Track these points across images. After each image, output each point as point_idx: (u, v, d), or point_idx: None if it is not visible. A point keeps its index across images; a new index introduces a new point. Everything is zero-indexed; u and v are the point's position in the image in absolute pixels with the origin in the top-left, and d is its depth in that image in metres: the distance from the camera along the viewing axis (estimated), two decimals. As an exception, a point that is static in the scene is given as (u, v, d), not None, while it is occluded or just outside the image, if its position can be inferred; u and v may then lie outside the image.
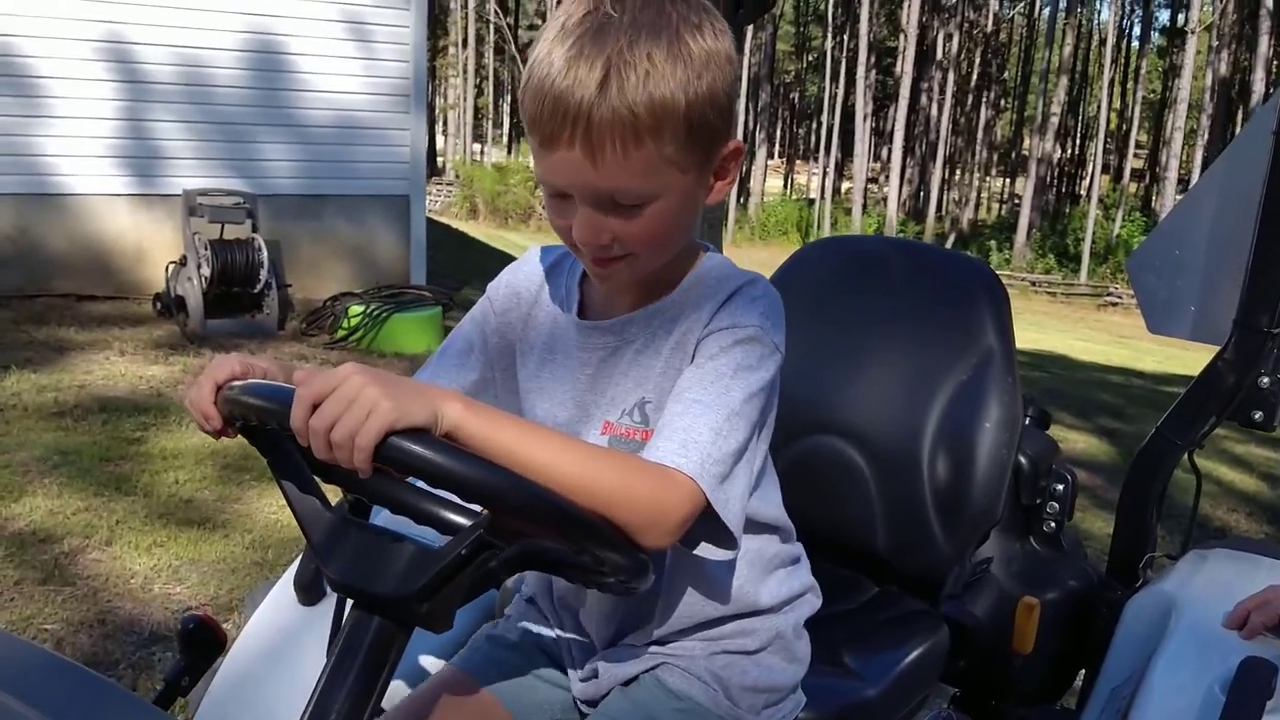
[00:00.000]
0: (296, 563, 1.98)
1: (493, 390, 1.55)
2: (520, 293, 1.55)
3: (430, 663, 1.83)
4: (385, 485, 1.31)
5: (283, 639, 1.92)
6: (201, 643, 1.86)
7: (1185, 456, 2.40)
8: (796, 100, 76.93)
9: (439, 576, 1.14)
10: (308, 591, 1.92)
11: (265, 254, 8.48)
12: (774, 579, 1.56)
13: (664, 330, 1.42)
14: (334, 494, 1.27)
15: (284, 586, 1.99)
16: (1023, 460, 2.30)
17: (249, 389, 1.22)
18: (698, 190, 1.34)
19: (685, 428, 1.27)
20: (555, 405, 1.49)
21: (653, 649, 1.53)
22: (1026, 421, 2.37)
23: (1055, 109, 48.29)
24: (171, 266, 8.64)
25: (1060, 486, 2.37)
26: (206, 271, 8.24)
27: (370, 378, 1.09)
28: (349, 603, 1.20)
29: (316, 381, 1.09)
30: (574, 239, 1.31)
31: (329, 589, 1.23)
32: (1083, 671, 2.39)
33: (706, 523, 1.28)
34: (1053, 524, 2.39)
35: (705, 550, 1.35)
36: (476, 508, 1.11)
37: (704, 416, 1.27)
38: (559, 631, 1.60)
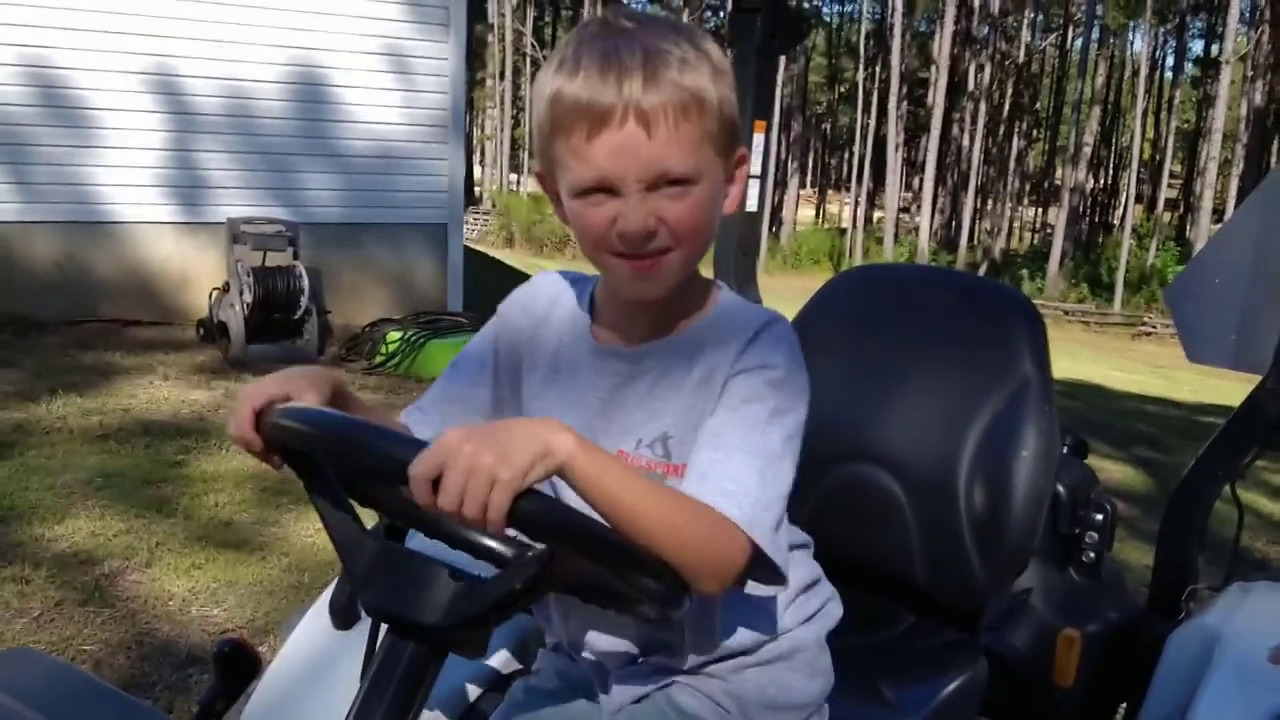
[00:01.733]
0: (332, 586, 1.98)
1: (503, 410, 1.53)
2: (530, 310, 1.54)
3: (467, 690, 1.83)
4: (418, 510, 1.32)
5: (317, 663, 1.91)
6: (237, 666, 1.84)
7: (1227, 487, 2.37)
8: (828, 131, 76.92)
9: (492, 608, 1.13)
10: (343, 616, 1.91)
11: (306, 281, 8.57)
12: (799, 595, 1.54)
13: (683, 363, 1.40)
14: (369, 517, 1.28)
15: (319, 610, 1.98)
16: (1061, 490, 2.27)
17: (289, 414, 1.22)
18: (724, 185, 1.37)
19: (731, 476, 1.27)
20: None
21: (668, 667, 1.51)
22: (1064, 451, 2.34)
23: (1088, 139, 48.02)
24: (214, 293, 8.74)
25: (1099, 516, 2.34)
26: (248, 298, 8.33)
27: (477, 441, 1.07)
28: (383, 628, 1.20)
29: (428, 459, 1.07)
30: (619, 232, 1.30)
31: (364, 614, 1.23)
32: (1124, 706, 2.35)
33: (756, 564, 1.28)
34: (1092, 554, 2.35)
35: (753, 588, 1.36)
36: (520, 535, 1.11)
37: (749, 464, 1.28)
38: (587, 656, 1.57)
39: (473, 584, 1.14)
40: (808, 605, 1.56)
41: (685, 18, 48.61)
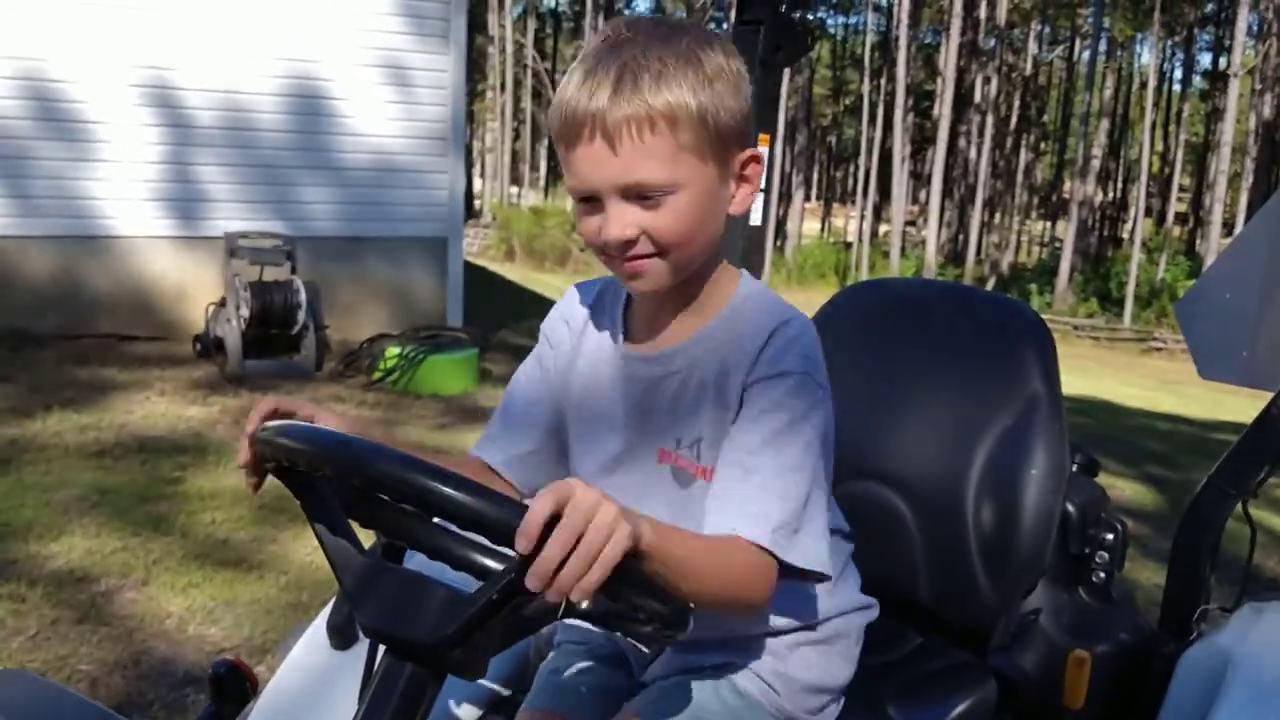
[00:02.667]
0: (330, 605, 1.97)
1: (561, 425, 1.58)
2: (570, 324, 1.59)
3: (466, 712, 1.80)
4: (419, 529, 1.29)
5: (315, 683, 1.90)
6: (232, 688, 1.85)
7: (1239, 506, 2.34)
8: (834, 143, 77.12)
9: (470, 622, 1.11)
10: (341, 635, 1.90)
11: (304, 295, 8.55)
12: (844, 580, 1.61)
13: (709, 362, 1.45)
14: (366, 537, 1.25)
15: (317, 630, 1.97)
16: (1070, 508, 2.24)
17: (283, 431, 1.20)
18: (720, 189, 1.39)
19: (753, 498, 1.33)
20: (608, 432, 1.52)
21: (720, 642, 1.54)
22: (1074, 469, 2.32)
23: (1096, 152, 48.08)
24: (211, 308, 8.72)
25: (1110, 536, 2.30)
26: (246, 313, 8.31)
27: (600, 496, 1.07)
28: (381, 648, 1.19)
29: (547, 499, 1.05)
30: (604, 239, 1.35)
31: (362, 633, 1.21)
32: (1135, 728, 2.32)
33: (789, 573, 1.35)
34: (1102, 574, 2.32)
35: (797, 583, 1.42)
36: (510, 552, 1.08)
37: (768, 484, 1.34)
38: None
39: (454, 597, 1.13)
40: (853, 592, 1.63)
41: (688, 32, 48.64)
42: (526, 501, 1.07)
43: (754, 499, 1.32)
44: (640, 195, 1.32)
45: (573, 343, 1.58)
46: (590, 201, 1.36)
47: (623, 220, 1.33)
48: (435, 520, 1.23)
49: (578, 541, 1.03)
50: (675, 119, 1.30)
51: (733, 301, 1.48)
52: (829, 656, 1.57)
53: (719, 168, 1.37)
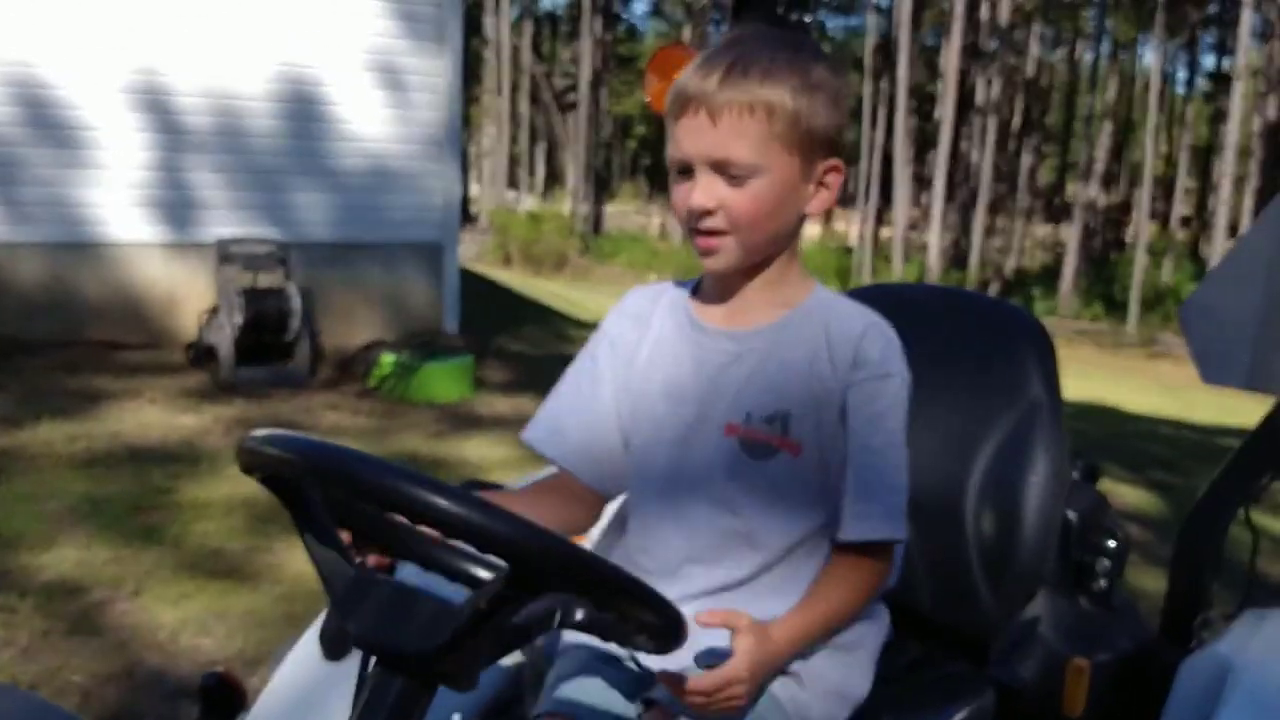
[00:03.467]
0: (322, 617, 1.95)
1: (620, 404, 1.68)
2: (635, 319, 1.70)
3: (457, 720, 1.79)
4: (409, 540, 1.28)
5: (307, 695, 1.88)
6: (221, 701, 1.84)
7: (1241, 512, 2.32)
8: (832, 147, 77.13)
9: (459, 632, 1.11)
10: (333, 646, 1.89)
11: (297, 302, 8.49)
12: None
13: (791, 347, 1.56)
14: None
15: (309, 641, 1.96)
16: (1071, 516, 2.23)
17: (272, 440, 1.19)
18: (800, 187, 1.53)
19: (888, 492, 1.52)
20: (677, 404, 1.61)
21: None
22: (1075, 476, 2.32)
23: (1100, 154, 48.14)
24: (204, 315, 8.68)
25: (1111, 543, 2.30)
26: (238, 320, 8.24)
27: (753, 681, 1.43)
28: (373, 659, 1.18)
29: (718, 681, 1.40)
30: (688, 205, 1.50)
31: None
32: (1135, 737, 2.29)
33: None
34: (1103, 582, 2.31)
35: None
36: (501, 562, 1.09)
37: (897, 479, 1.53)
38: None
39: (443, 608, 1.13)
40: (874, 606, 1.69)
41: (688, 31, 48.79)
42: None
43: (888, 495, 1.51)
44: (727, 171, 1.47)
45: (638, 335, 1.68)
46: (684, 173, 1.51)
47: (707, 191, 1.49)
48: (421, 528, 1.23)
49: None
50: (772, 111, 1.46)
51: (813, 297, 1.60)
52: (849, 666, 1.63)
53: (803, 166, 1.51)
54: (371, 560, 1.34)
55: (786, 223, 1.54)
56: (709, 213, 1.49)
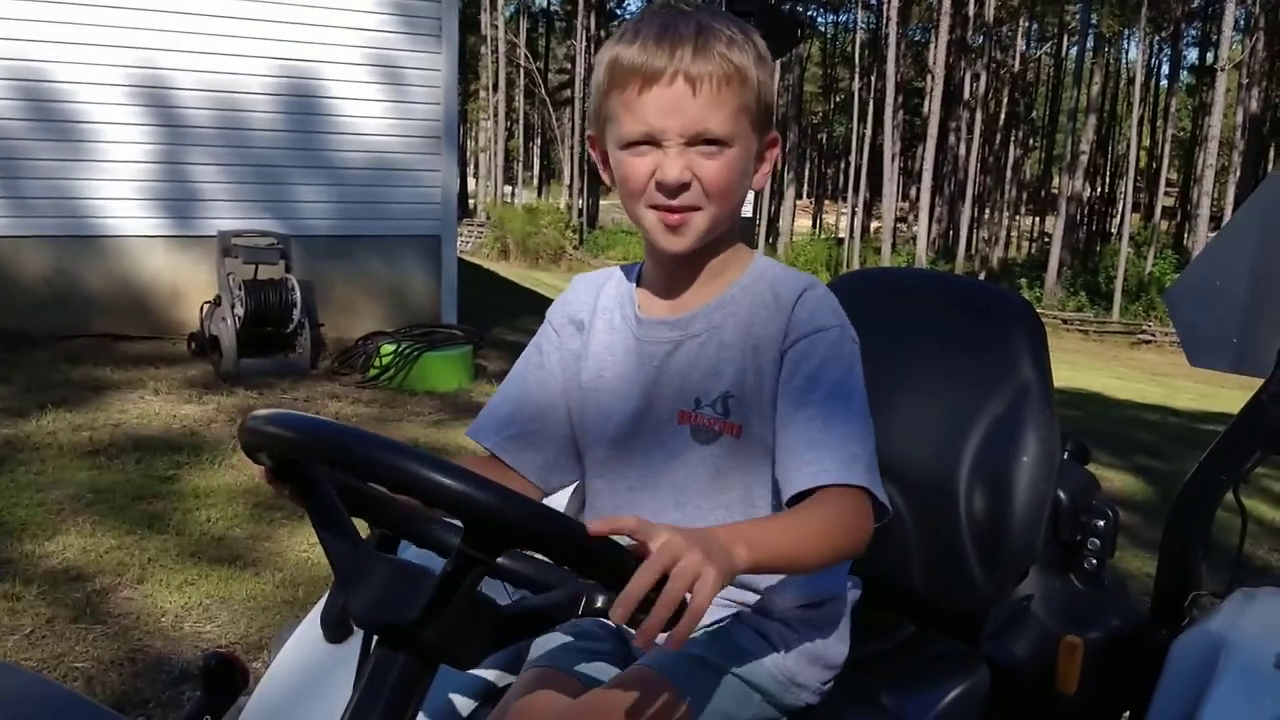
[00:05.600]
0: (324, 599, 1.96)
1: (570, 402, 1.64)
2: (579, 309, 1.67)
3: (460, 703, 1.80)
4: (414, 520, 1.29)
5: (309, 677, 1.89)
6: (223, 681, 1.84)
7: (1230, 493, 2.34)
8: (824, 140, 77.10)
9: (434, 596, 1.11)
10: (335, 629, 1.89)
11: (298, 294, 8.52)
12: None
13: (732, 325, 1.53)
14: (362, 527, 1.26)
15: (311, 623, 1.96)
16: (1062, 495, 2.24)
17: (274, 419, 1.19)
18: (753, 160, 1.51)
19: (841, 444, 1.40)
20: (625, 401, 1.58)
21: (730, 601, 1.58)
22: (1065, 456, 2.32)
23: (1084, 147, 48.13)
24: (206, 306, 8.71)
25: (1101, 522, 2.31)
26: (240, 311, 8.29)
27: (696, 549, 1.10)
28: (375, 639, 1.19)
29: (662, 557, 1.09)
30: (657, 180, 1.44)
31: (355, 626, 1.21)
32: (1127, 714, 2.32)
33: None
34: (1094, 561, 2.32)
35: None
36: (458, 523, 1.10)
37: (847, 428, 1.42)
38: None
39: (423, 575, 1.14)
40: (843, 572, 1.67)
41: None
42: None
43: (840, 445, 1.40)
44: (703, 142, 1.43)
45: (583, 328, 1.64)
46: (643, 145, 1.44)
47: (683, 162, 1.43)
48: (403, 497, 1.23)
49: (662, 582, 1.07)
50: (745, 80, 1.44)
51: (750, 271, 1.57)
52: (825, 631, 1.61)
53: (758, 138, 1.50)
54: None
55: (742, 197, 1.53)
56: (685, 186, 1.44)
